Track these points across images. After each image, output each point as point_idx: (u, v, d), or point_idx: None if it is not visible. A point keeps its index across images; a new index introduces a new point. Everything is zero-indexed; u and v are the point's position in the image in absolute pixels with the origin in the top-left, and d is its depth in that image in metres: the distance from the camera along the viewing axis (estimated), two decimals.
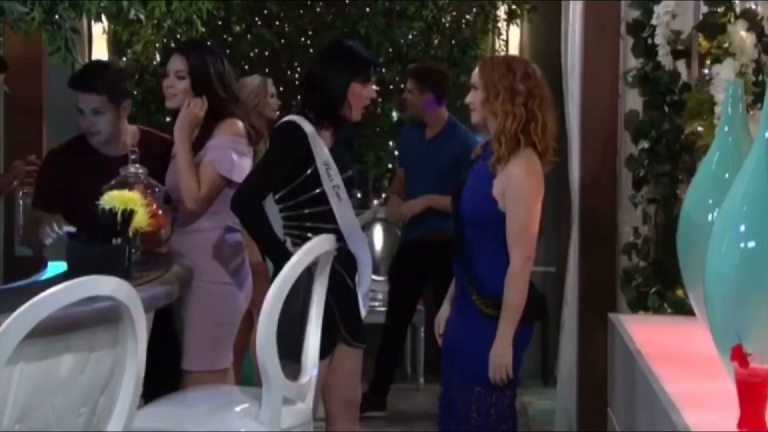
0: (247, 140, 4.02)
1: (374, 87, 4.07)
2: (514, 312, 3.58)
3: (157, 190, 3.87)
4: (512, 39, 7.09)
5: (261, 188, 3.83)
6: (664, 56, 4.02)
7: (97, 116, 4.23)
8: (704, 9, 3.74)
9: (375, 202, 7.07)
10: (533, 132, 3.57)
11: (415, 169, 5.90)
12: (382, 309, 6.26)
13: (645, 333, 3.32)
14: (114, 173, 3.84)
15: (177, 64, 4.04)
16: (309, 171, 3.83)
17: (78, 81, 4.25)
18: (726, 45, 3.53)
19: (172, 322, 4.05)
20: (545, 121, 3.60)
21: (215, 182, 3.96)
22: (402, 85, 6.47)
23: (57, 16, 4.08)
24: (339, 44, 4.13)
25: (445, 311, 3.87)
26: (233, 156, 3.96)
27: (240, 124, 4.01)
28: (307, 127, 3.84)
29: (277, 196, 3.91)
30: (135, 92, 6.65)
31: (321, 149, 3.84)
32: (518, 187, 3.57)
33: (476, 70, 3.70)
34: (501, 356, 3.59)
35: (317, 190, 3.85)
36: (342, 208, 3.90)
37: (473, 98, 3.68)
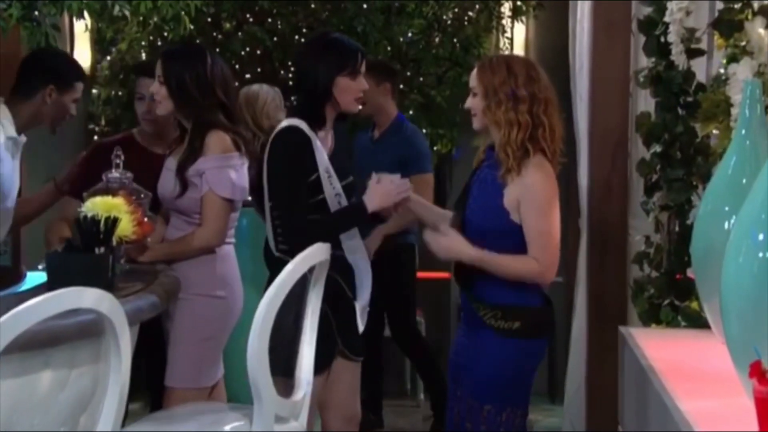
0: (238, 151, 4.01)
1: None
2: (498, 264, 3.58)
3: (142, 196, 3.86)
4: (517, 37, 7.08)
5: (298, 213, 3.80)
6: (677, 55, 4.01)
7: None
8: (720, 5, 3.74)
9: None
10: (541, 138, 3.57)
11: (363, 170, 5.88)
12: None
13: (658, 348, 3.31)
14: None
15: (158, 68, 4.11)
16: (312, 178, 3.81)
17: (146, 67, 4.59)
18: (743, 43, 3.52)
19: (158, 335, 4.05)
20: (552, 125, 3.60)
21: (222, 208, 3.99)
22: (401, 86, 6.47)
23: (36, 13, 4.06)
24: (322, 37, 4.11)
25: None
26: (230, 174, 3.96)
27: (227, 138, 3.99)
28: (308, 131, 3.82)
29: (272, 203, 3.90)
30: (119, 93, 6.66)
31: (321, 155, 3.83)
32: (536, 196, 3.56)
33: (474, 73, 3.68)
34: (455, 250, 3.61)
35: (318, 197, 3.84)
36: None
37: (473, 104, 3.67)
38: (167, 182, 4.04)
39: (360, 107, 4.05)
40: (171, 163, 4.07)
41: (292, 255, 3.48)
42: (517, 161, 3.55)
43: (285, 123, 3.90)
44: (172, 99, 4.04)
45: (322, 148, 3.84)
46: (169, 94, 4.04)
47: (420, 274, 6.26)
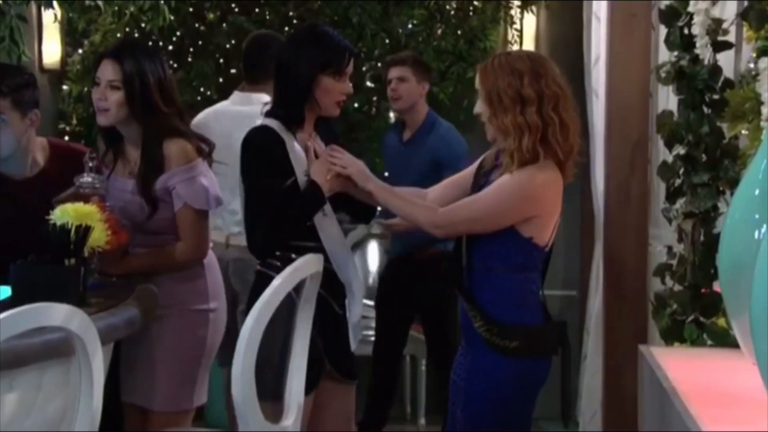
0: (201, 157, 3.97)
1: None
2: (394, 199, 3.71)
3: None
4: (527, 29, 7.06)
5: (266, 216, 3.80)
6: (702, 48, 4.01)
7: None
8: None
9: None
10: (552, 139, 3.54)
11: (395, 174, 5.88)
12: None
13: (681, 368, 3.30)
14: (28, 200, 3.72)
15: (108, 71, 3.92)
16: (288, 182, 3.80)
17: None
18: None
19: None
20: (564, 122, 3.56)
21: (199, 221, 3.97)
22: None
23: (0, 1, 4.06)
24: (308, 29, 4.09)
25: None
26: (201, 182, 3.92)
27: (189, 146, 3.93)
28: (283, 132, 3.81)
29: (245, 206, 3.89)
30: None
31: (299, 158, 3.81)
32: (508, 183, 3.53)
33: (477, 77, 3.66)
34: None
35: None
36: (326, 223, 3.87)
37: (481, 110, 3.65)
38: (126, 205, 3.94)
39: (338, 111, 4.01)
40: (123, 184, 3.99)
41: (277, 270, 3.47)
42: (518, 166, 3.53)
43: (257, 123, 3.88)
44: (129, 107, 3.90)
45: (301, 152, 3.81)
46: (127, 99, 3.89)
47: None
